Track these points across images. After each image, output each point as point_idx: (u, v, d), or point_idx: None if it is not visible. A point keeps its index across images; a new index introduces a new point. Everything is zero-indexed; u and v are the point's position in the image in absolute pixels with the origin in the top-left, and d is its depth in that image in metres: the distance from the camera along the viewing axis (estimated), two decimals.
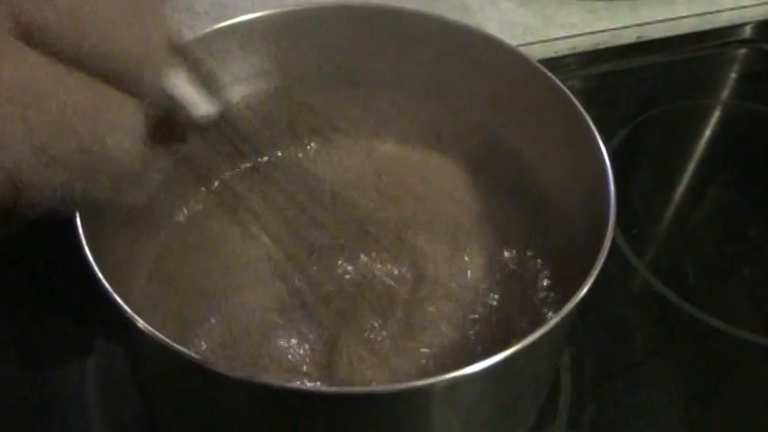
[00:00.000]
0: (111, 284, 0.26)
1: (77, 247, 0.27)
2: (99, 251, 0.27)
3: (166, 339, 0.24)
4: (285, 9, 0.38)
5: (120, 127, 0.22)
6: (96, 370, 0.38)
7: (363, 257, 0.36)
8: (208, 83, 0.29)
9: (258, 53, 0.38)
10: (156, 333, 0.24)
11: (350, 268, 0.36)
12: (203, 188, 0.37)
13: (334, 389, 0.25)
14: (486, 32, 0.37)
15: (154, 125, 0.25)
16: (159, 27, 0.24)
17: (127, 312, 0.25)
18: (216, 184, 0.37)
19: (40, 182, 0.21)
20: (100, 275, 0.26)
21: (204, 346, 0.33)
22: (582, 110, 0.33)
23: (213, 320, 0.34)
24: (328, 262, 0.36)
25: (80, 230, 0.27)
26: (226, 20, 0.37)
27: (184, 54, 0.28)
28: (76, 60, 0.21)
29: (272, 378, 0.23)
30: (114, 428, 0.37)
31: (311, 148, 0.42)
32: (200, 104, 0.28)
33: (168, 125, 0.26)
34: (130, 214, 0.33)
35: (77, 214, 0.27)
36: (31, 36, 0.21)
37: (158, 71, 0.24)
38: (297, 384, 0.24)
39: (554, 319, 0.27)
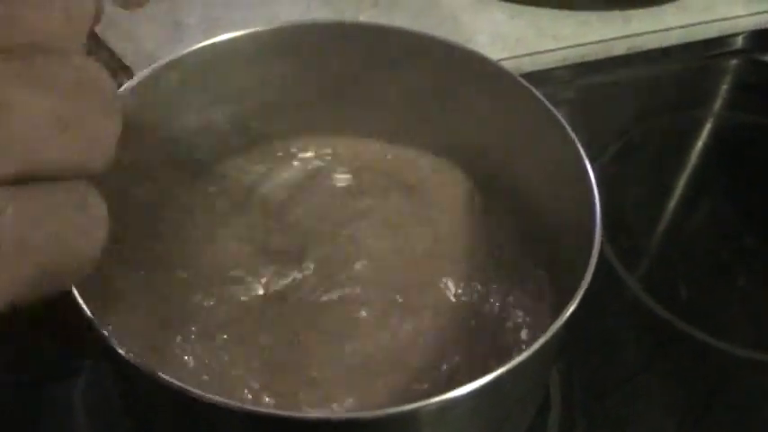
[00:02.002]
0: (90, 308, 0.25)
1: None
2: None
3: (155, 371, 0.24)
4: (272, 27, 0.38)
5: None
6: (84, 388, 0.38)
7: (345, 270, 0.36)
8: None
9: (245, 70, 0.38)
10: (145, 365, 0.24)
11: (326, 281, 0.36)
12: (185, 194, 0.37)
13: (317, 415, 0.25)
14: (469, 48, 0.37)
15: None
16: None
17: (112, 344, 0.25)
18: (198, 191, 0.37)
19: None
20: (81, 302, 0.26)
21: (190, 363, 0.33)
22: (566, 124, 0.33)
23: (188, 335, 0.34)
24: (304, 272, 0.36)
25: None
26: (215, 36, 0.37)
27: None
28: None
29: (253, 404, 0.23)
30: None
31: (296, 161, 0.42)
32: None
33: None
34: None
35: None
36: None
37: None
38: (278, 411, 0.23)
39: (541, 339, 0.27)
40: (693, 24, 0.61)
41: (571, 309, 0.28)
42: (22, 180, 0.19)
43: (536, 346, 0.26)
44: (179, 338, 0.33)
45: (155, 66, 0.34)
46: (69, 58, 0.20)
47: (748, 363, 0.41)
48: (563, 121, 0.33)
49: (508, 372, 0.26)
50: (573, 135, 0.32)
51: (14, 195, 0.19)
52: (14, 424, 0.37)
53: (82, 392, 0.38)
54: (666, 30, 0.61)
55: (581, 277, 0.28)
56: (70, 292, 0.26)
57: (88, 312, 0.25)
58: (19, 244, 0.19)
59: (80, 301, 0.26)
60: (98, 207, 0.21)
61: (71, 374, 0.38)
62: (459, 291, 0.37)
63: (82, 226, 0.20)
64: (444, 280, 0.37)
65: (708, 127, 0.56)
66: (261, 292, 0.35)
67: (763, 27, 0.63)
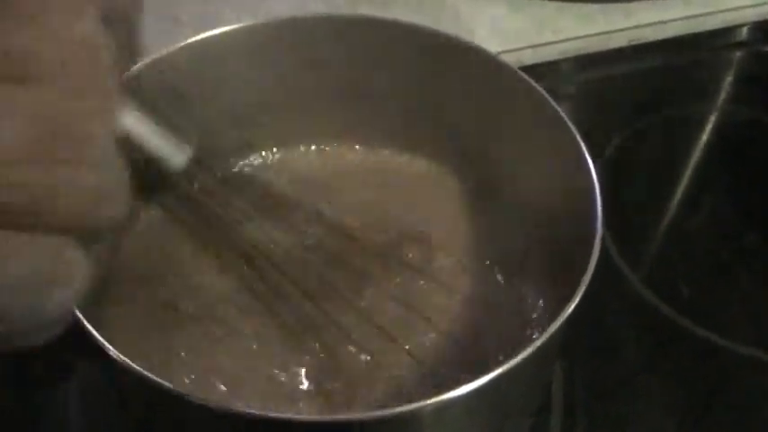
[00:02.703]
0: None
1: None
2: None
3: (156, 378, 0.24)
4: (267, 20, 0.37)
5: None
6: (82, 389, 0.38)
7: (344, 273, 0.36)
8: (175, 131, 0.26)
9: (240, 65, 0.38)
10: (148, 374, 0.24)
11: (328, 283, 0.35)
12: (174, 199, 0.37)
13: (315, 417, 0.25)
14: (469, 41, 0.37)
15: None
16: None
17: (113, 354, 0.24)
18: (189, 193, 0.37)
19: None
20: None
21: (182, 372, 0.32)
22: (567, 119, 0.33)
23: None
24: (306, 277, 0.35)
25: None
26: (207, 30, 0.37)
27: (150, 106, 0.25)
28: None
29: (253, 407, 0.23)
30: None
31: (292, 155, 0.41)
32: (172, 156, 0.26)
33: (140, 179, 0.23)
34: None
35: None
36: None
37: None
38: (275, 413, 0.23)
39: (540, 339, 0.26)
40: (696, 16, 0.60)
41: (571, 307, 0.27)
42: None
43: (535, 345, 0.26)
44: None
45: (147, 61, 0.34)
46: (52, 91, 0.17)
47: (749, 361, 0.40)
48: (565, 116, 0.33)
49: (508, 371, 0.25)
50: (575, 131, 0.32)
51: None
52: (14, 424, 0.37)
53: (80, 393, 0.38)
54: (668, 21, 0.60)
55: (582, 275, 0.28)
56: None
57: (81, 317, 0.25)
58: None
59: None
60: (75, 266, 0.19)
61: (69, 375, 0.38)
62: (459, 290, 0.37)
63: (50, 283, 0.18)
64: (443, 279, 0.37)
65: (711, 121, 0.55)
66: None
67: None
